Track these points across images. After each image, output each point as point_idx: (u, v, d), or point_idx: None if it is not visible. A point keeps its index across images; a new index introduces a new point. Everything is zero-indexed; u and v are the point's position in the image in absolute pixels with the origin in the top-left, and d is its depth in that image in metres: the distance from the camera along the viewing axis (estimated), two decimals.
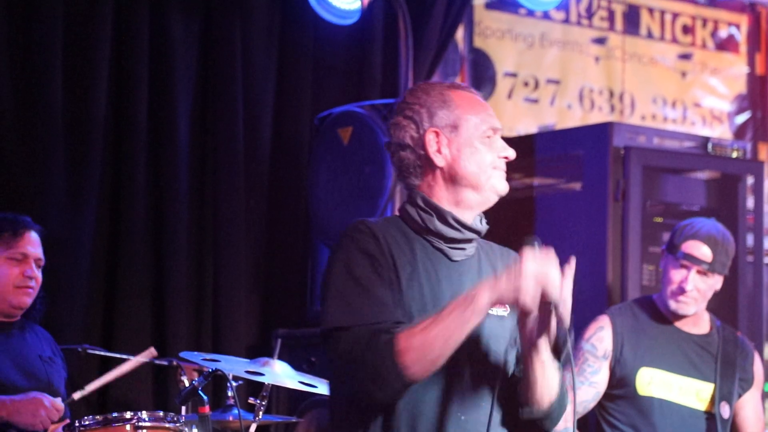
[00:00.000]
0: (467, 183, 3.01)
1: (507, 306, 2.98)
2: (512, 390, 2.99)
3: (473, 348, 2.92)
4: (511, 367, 3.02)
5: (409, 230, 3.01)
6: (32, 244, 4.48)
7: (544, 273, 2.76)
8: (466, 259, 3.01)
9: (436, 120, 3.03)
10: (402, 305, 2.88)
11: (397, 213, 3.10)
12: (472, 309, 2.78)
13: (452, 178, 3.02)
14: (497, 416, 2.97)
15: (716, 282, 4.67)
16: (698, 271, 4.61)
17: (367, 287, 2.87)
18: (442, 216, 2.99)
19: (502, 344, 3.00)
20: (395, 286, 2.90)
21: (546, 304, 2.78)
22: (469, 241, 3.02)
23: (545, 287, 2.76)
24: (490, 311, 2.90)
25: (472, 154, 3.01)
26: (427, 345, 2.77)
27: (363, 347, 2.80)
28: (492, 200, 3.04)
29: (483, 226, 3.04)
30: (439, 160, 3.02)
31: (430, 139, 3.02)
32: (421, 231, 3.01)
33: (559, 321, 2.82)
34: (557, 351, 2.92)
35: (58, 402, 4.26)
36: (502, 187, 3.03)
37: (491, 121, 3.04)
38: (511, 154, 3.04)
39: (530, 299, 2.75)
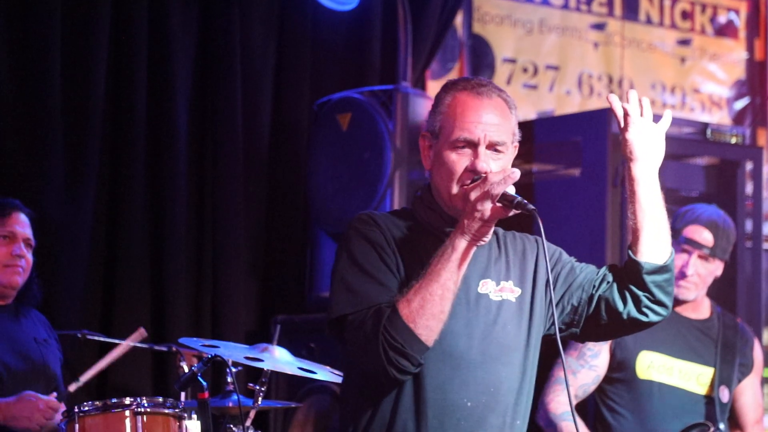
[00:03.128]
0: (439, 196, 3.01)
1: (517, 288, 2.99)
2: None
3: (480, 333, 2.94)
4: (534, 346, 3.02)
5: (416, 222, 3.02)
6: (20, 224, 4.45)
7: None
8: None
9: (428, 124, 3.04)
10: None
11: (408, 206, 3.13)
12: (450, 251, 2.83)
13: (432, 185, 3.03)
14: (509, 401, 2.98)
15: (717, 267, 4.68)
16: (699, 256, 4.61)
17: (371, 274, 2.90)
18: (440, 216, 3.00)
19: (515, 329, 2.99)
20: (399, 272, 2.92)
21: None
22: None
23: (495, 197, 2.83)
24: (498, 296, 2.95)
25: (439, 167, 2.98)
26: (427, 301, 2.81)
27: (371, 326, 2.83)
28: None
29: None
30: (426, 164, 3.03)
31: (421, 142, 3.04)
32: (426, 224, 3.02)
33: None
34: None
35: (52, 401, 4.25)
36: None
37: (464, 132, 2.94)
38: (481, 167, 2.93)
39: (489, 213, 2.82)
